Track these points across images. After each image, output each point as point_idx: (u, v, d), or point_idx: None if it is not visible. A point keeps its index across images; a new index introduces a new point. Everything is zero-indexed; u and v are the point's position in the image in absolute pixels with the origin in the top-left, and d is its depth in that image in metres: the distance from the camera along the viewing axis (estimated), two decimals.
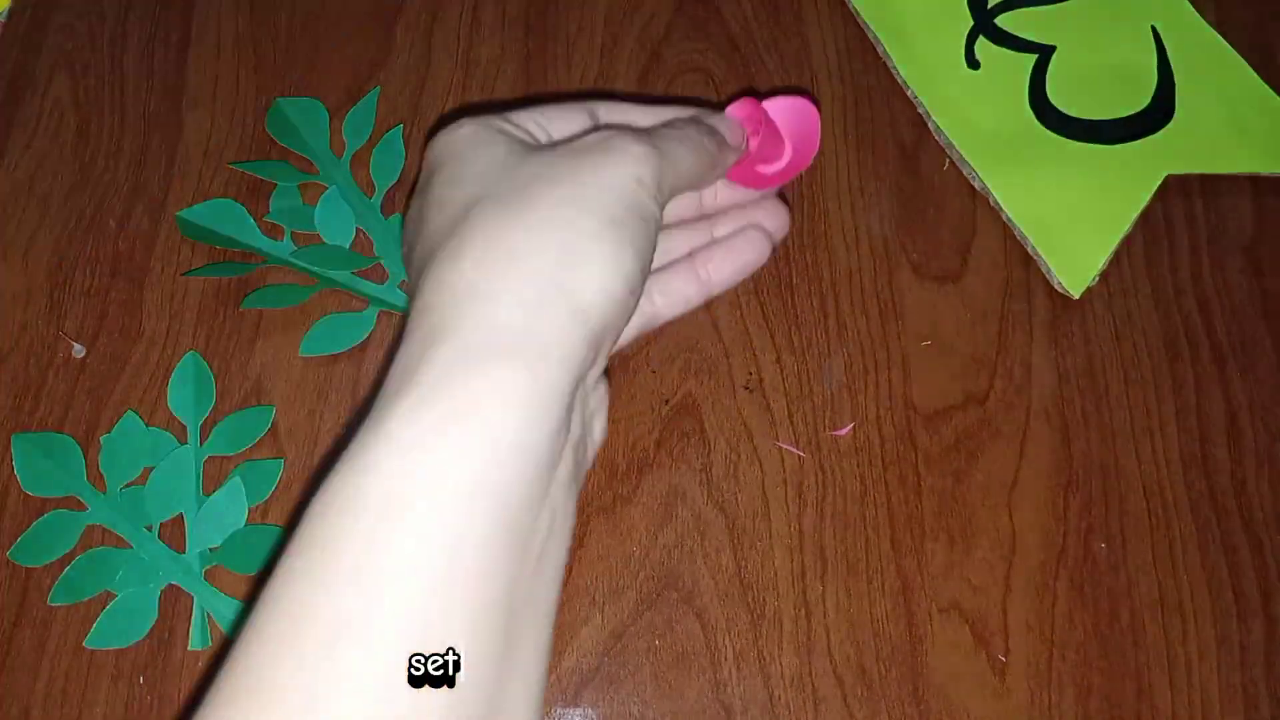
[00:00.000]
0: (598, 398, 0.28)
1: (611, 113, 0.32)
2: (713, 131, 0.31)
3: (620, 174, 0.26)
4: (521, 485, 0.22)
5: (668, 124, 0.31)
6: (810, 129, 0.34)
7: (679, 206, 0.34)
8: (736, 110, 0.33)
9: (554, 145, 0.28)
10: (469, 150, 0.28)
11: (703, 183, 0.30)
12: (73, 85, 0.47)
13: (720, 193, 0.35)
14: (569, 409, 0.24)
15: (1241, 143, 0.45)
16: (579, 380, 0.24)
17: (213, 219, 0.43)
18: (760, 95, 0.34)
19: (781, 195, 0.37)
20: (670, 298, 0.33)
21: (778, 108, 0.34)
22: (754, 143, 0.33)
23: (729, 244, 0.34)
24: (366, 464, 0.22)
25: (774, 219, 0.35)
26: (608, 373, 0.30)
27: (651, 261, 0.27)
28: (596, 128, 0.31)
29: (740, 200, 0.35)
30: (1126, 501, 0.39)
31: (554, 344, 0.23)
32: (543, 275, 0.24)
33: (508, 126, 0.29)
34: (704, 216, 0.35)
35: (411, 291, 0.26)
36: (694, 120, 0.31)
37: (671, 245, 0.34)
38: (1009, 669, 0.36)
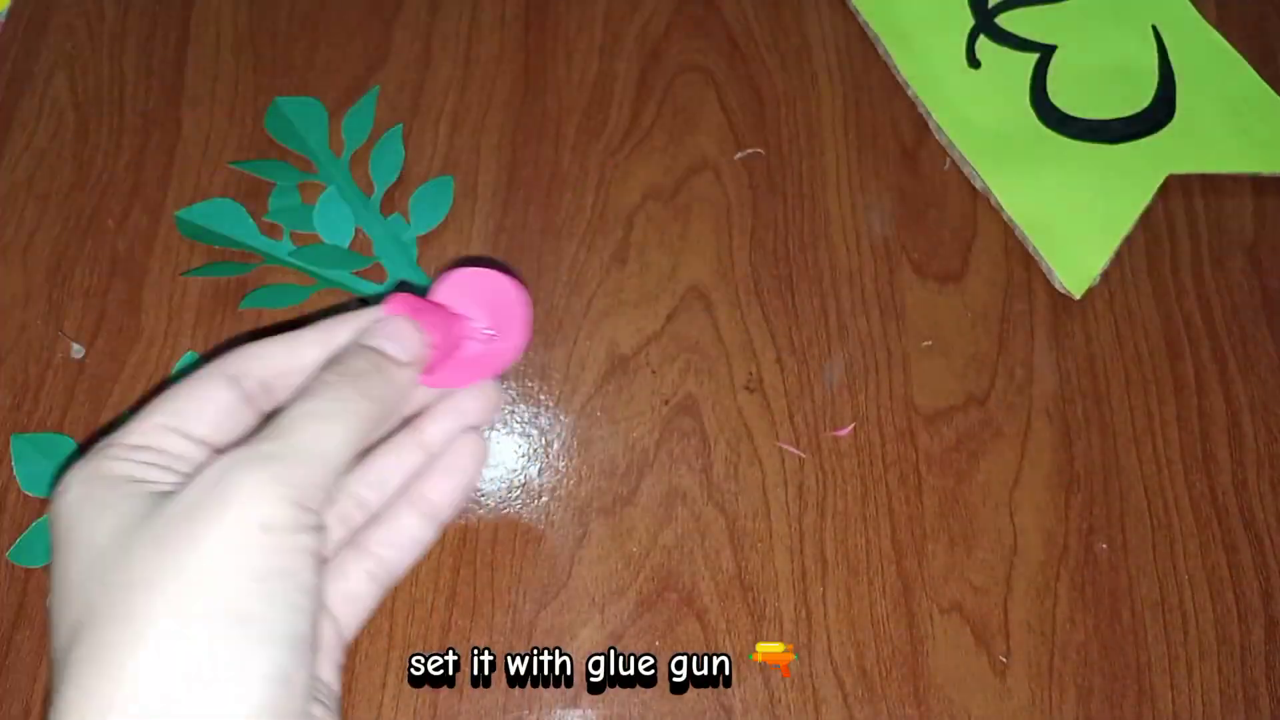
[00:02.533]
0: None
1: (252, 364, 0.27)
2: (376, 361, 0.26)
3: (233, 537, 0.21)
4: None
5: (308, 387, 0.25)
6: (507, 299, 0.29)
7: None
8: (397, 305, 0.27)
9: (167, 499, 0.22)
10: (70, 531, 0.23)
11: (381, 430, 0.26)
12: (71, 85, 0.47)
13: (417, 397, 0.30)
14: None
15: (1243, 142, 0.45)
16: None
17: (212, 219, 0.43)
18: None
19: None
20: (399, 547, 0.29)
21: (455, 284, 0.29)
22: (436, 337, 0.27)
23: (445, 462, 0.30)
24: None
25: (481, 406, 0.30)
26: None
27: (317, 601, 0.22)
28: (218, 452, 0.25)
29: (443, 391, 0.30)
30: (1128, 501, 0.39)
31: None
32: None
33: (124, 465, 0.23)
34: (406, 420, 0.31)
35: None
36: (348, 355, 0.26)
37: (383, 476, 0.30)
38: (1010, 670, 0.36)
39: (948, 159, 0.46)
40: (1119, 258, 0.43)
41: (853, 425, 0.40)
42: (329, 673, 0.27)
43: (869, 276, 0.43)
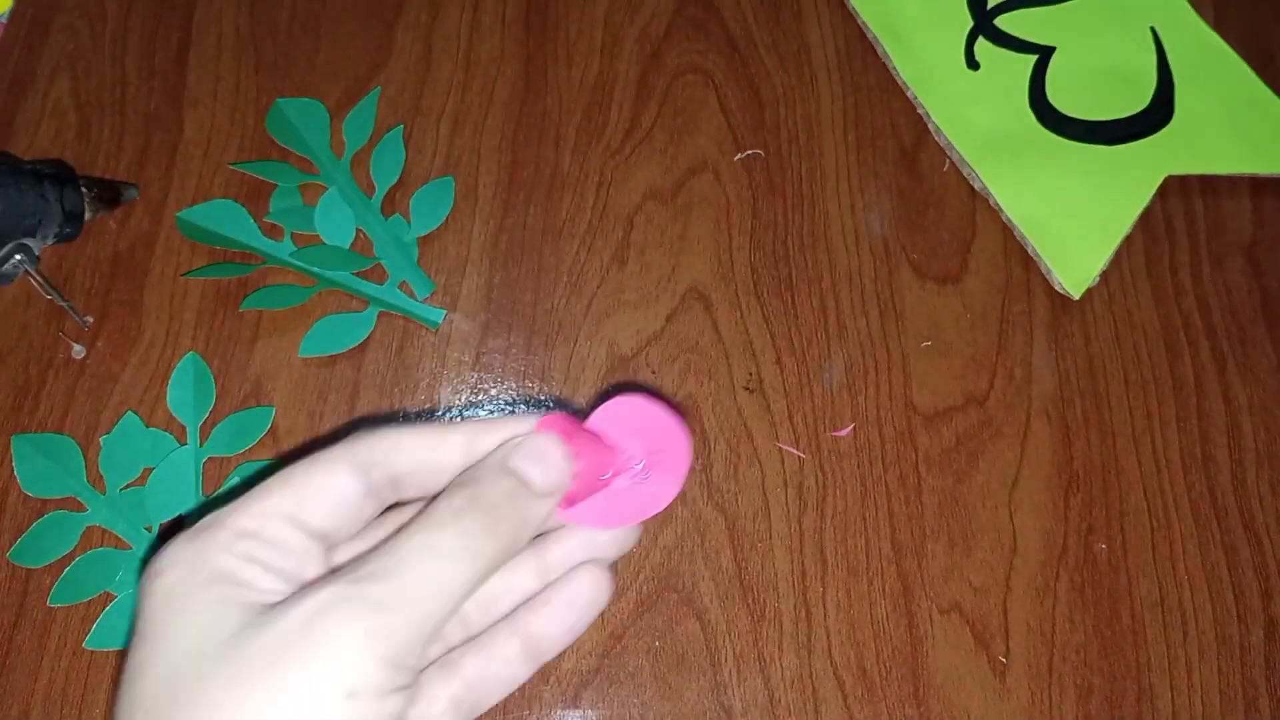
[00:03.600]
0: None
1: (387, 456, 0.24)
2: (513, 491, 0.23)
3: (314, 701, 0.19)
4: None
5: (429, 512, 0.22)
6: (668, 437, 0.25)
7: None
8: (548, 424, 0.24)
9: (257, 627, 0.20)
10: (155, 626, 0.21)
11: (498, 568, 0.22)
12: (74, 86, 0.47)
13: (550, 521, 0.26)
14: None
15: (1241, 144, 0.45)
16: None
17: (213, 219, 0.43)
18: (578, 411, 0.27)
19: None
20: (490, 677, 0.25)
21: (613, 412, 0.25)
22: (582, 465, 0.24)
23: (554, 599, 0.26)
24: None
25: (615, 540, 0.26)
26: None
27: None
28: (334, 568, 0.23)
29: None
30: (1127, 502, 0.39)
31: None
32: None
33: (225, 559, 0.22)
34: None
35: None
36: (484, 478, 0.23)
37: (492, 595, 0.26)
38: (1009, 670, 0.36)
39: (947, 160, 0.46)
40: (1118, 258, 0.43)
41: (852, 426, 0.40)
42: None
43: (868, 277, 0.43)
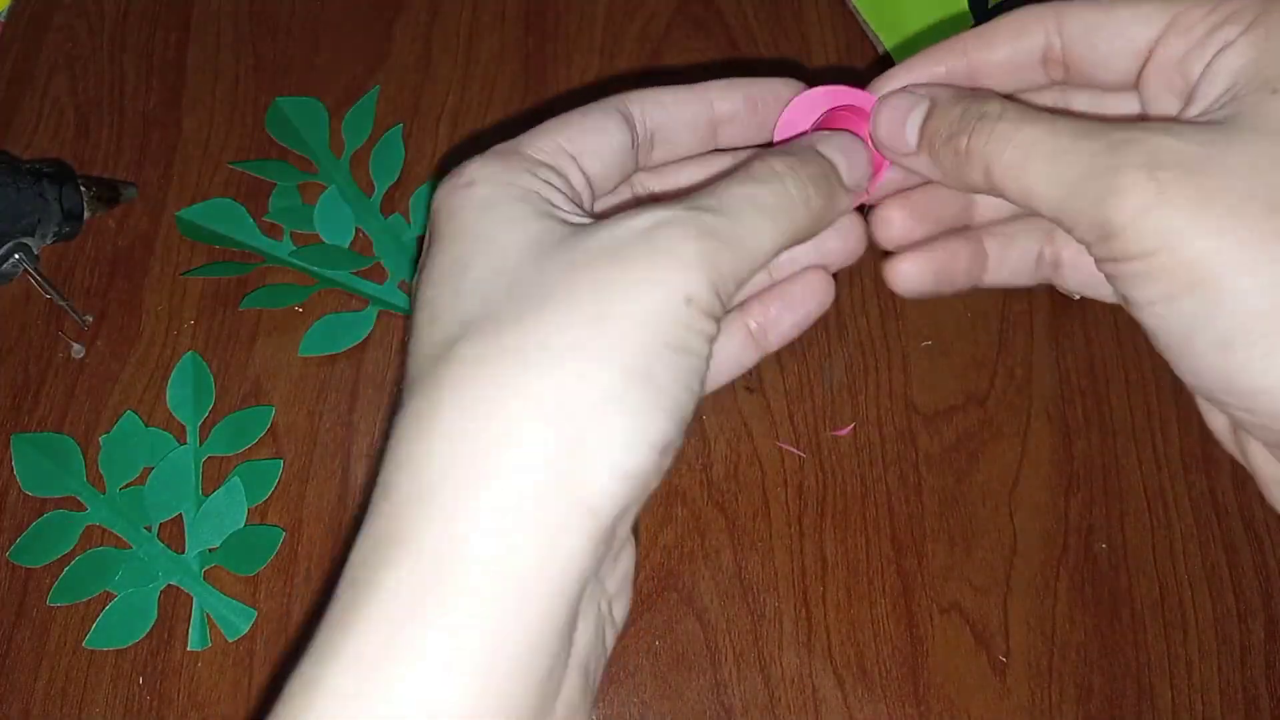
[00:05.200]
0: (619, 575, 0.22)
1: (647, 109, 0.25)
2: (828, 172, 0.23)
3: (662, 296, 0.19)
4: None
5: (749, 168, 0.22)
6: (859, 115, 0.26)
7: None
8: (849, 118, 0.24)
9: (588, 231, 0.21)
10: (477, 225, 0.22)
11: (798, 243, 0.23)
12: (72, 85, 0.47)
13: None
14: (569, 624, 0.19)
15: None
16: (584, 585, 0.19)
17: (212, 219, 0.43)
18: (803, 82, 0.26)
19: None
20: (720, 365, 0.26)
21: (837, 94, 0.26)
22: (882, 175, 0.25)
23: (787, 292, 0.27)
24: None
25: (842, 247, 0.27)
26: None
27: (700, 397, 0.21)
28: (639, 200, 0.24)
29: None
30: (1127, 501, 0.39)
31: (547, 559, 0.18)
32: (537, 464, 0.18)
33: (532, 181, 0.22)
34: None
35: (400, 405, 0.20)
36: (803, 153, 0.23)
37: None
38: (1010, 669, 0.36)
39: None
40: None
41: (853, 425, 0.40)
42: None
43: (869, 276, 0.43)
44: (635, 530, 0.23)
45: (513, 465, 0.18)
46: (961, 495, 0.39)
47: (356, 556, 0.19)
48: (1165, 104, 0.22)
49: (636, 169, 0.26)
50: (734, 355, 0.27)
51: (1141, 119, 0.22)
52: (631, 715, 0.36)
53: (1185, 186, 0.19)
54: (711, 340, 0.20)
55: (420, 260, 0.23)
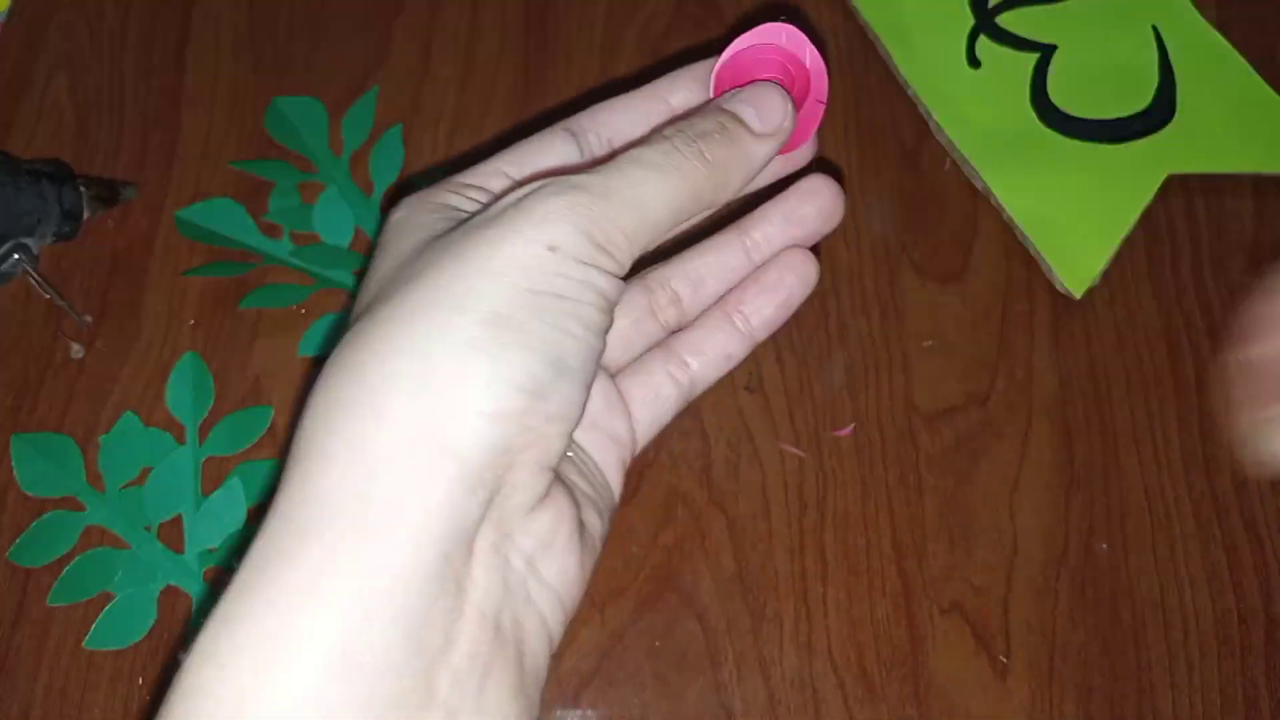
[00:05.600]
0: (537, 530, 0.21)
1: (597, 117, 0.26)
2: (726, 124, 0.23)
3: (520, 246, 0.20)
4: (354, 707, 0.18)
5: (653, 133, 0.23)
6: (799, 55, 0.26)
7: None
8: (764, 64, 0.24)
9: (474, 215, 0.23)
10: (391, 241, 0.23)
11: (708, 206, 0.23)
12: (71, 85, 0.47)
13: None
14: (443, 570, 0.19)
15: (1243, 143, 0.45)
16: (457, 532, 0.19)
17: (212, 219, 0.43)
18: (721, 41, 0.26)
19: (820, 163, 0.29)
20: (708, 357, 0.27)
21: (757, 37, 0.26)
22: (802, 111, 0.25)
23: (764, 277, 0.28)
24: (202, 669, 0.19)
25: (818, 212, 0.28)
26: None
27: (595, 345, 0.21)
28: (532, 177, 0.25)
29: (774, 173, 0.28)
30: (1128, 502, 0.39)
31: (406, 500, 0.19)
32: (398, 412, 0.19)
33: (452, 198, 0.24)
34: (732, 219, 0.28)
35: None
36: (697, 113, 0.24)
37: (700, 274, 0.28)
38: (1010, 670, 0.36)
39: (948, 159, 0.46)
40: (1119, 258, 0.43)
41: (853, 425, 0.40)
42: (613, 472, 0.26)
43: (869, 276, 0.43)
44: (571, 492, 0.23)
45: (375, 418, 0.19)
46: (962, 496, 0.39)
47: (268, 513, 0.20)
48: None
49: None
50: (721, 347, 0.28)
51: None
52: (631, 716, 0.36)
53: None
54: (597, 289, 0.21)
55: None
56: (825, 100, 0.26)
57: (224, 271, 0.42)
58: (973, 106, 0.46)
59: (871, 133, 0.46)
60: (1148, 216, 0.44)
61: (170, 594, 0.37)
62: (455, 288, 0.20)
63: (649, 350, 0.29)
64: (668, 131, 0.23)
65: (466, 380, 0.19)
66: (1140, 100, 0.46)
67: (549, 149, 0.25)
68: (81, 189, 0.42)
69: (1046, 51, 0.47)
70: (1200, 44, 0.47)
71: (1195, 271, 0.43)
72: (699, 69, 0.27)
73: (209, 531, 0.38)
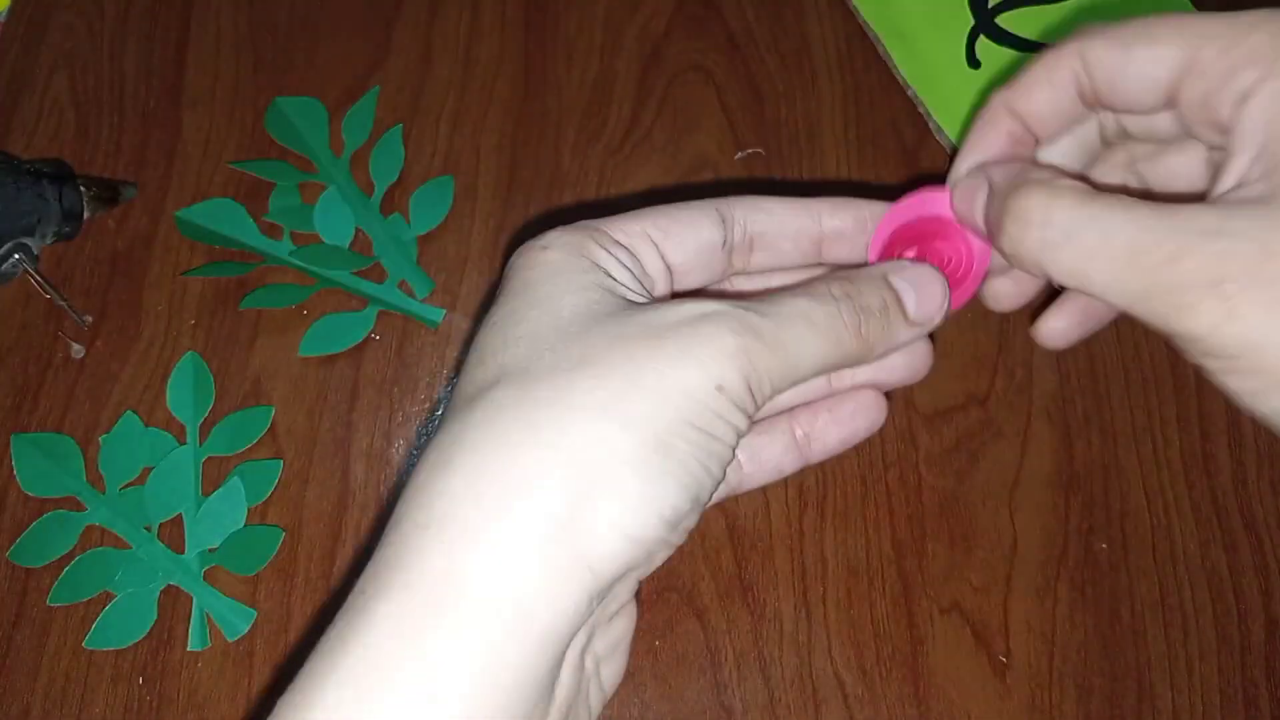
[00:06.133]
0: (612, 638, 0.22)
1: (750, 214, 0.25)
2: (888, 305, 0.23)
3: (694, 378, 0.20)
4: None
5: (811, 285, 0.23)
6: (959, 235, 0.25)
7: None
8: (902, 220, 0.25)
9: (640, 309, 0.22)
10: (541, 285, 0.23)
11: (846, 365, 0.23)
12: (72, 84, 0.47)
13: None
14: (551, 673, 0.20)
15: None
16: (571, 637, 0.20)
17: (212, 219, 0.43)
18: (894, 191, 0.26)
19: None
20: (760, 467, 0.27)
21: (934, 204, 0.25)
22: (956, 299, 0.25)
23: (838, 408, 0.28)
24: None
25: (907, 364, 0.27)
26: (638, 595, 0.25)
27: (720, 482, 0.21)
28: (700, 293, 0.24)
29: None
30: (1127, 502, 0.39)
31: (538, 605, 0.19)
32: (545, 513, 0.19)
33: (603, 256, 0.23)
34: None
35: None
36: (866, 283, 0.23)
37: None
38: (1010, 669, 0.36)
39: (948, 159, 0.46)
40: None
41: None
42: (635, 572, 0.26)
43: None
44: (638, 597, 0.23)
45: (521, 510, 0.19)
46: (962, 495, 0.39)
47: (359, 584, 0.20)
48: (1209, 135, 0.22)
49: (731, 269, 0.26)
50: (775, 459, 0.27)
51: (1199, 198, 0.22)
52: (632, 716, 0.36)
53: (1252, 296, 0.19)
54: (738, 433, 0.21)
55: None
56: (980, 284, 0.26)
57: (224, 271, 0.42)
58: (973, 107, 0.46)
59: (871, 132, 0.46)
60: None
61: (170, 594, 0.37)
62: (625, 402, 0.20)
63: None
64: (835, 292, 0.23)
65: (617, 499, 0.19)
66: None
67: (696, 226, 0.25)
68: (81, 189, 0.42)
69: None
70: None
71: None
72: (861, 206, 0.26)
73: (209, 531, 0.38)
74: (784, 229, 0.26)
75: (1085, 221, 0.21)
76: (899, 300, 0.24)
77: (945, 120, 0.46)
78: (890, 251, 0.26)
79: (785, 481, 0.39)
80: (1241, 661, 0.37)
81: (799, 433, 0.28)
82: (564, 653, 0.20)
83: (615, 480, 0.19)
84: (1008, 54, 0.47)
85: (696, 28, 0.49)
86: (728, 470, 0.26)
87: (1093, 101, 0.24)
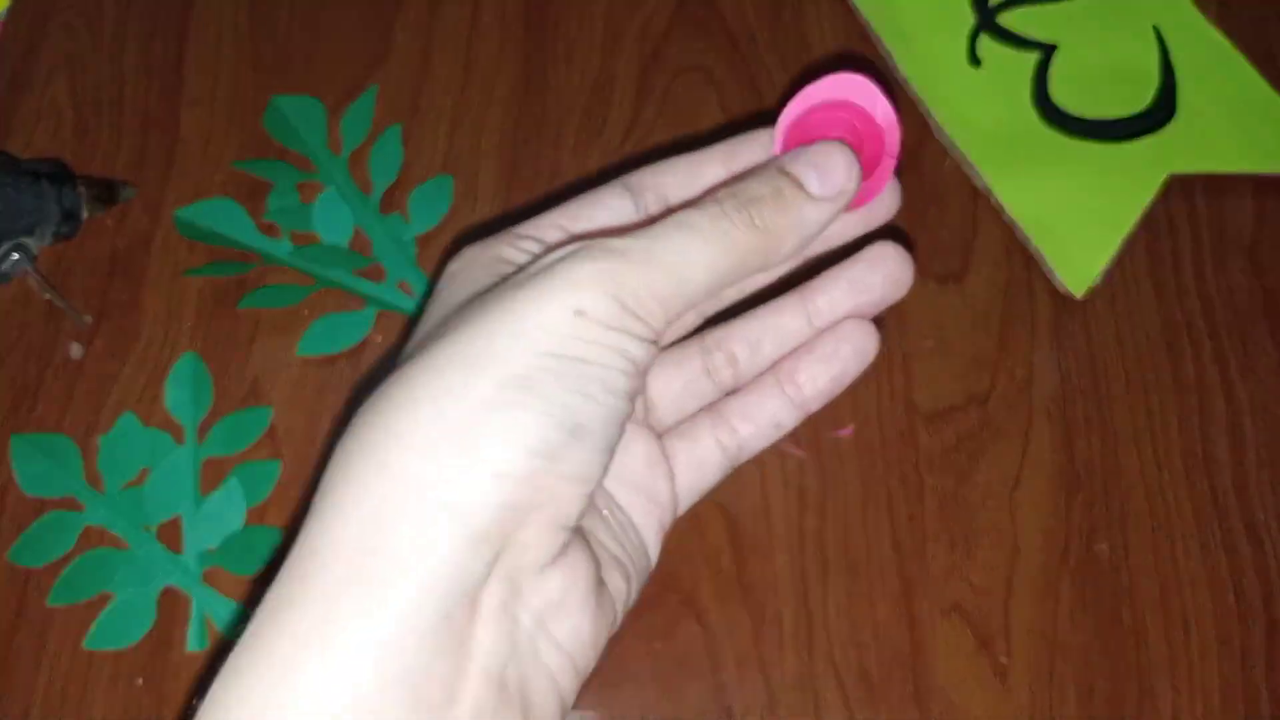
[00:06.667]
0: (548, 589, 0.21)
1: (658, 179, 0.26)
2: (780, 188, 0.23)
3: (549, 310, 0.20)
4: None
5: (705, 196, 0.23)
6: (871, 107, 0.25)
7: (756, 280, 0.26)
8: (796, 115, 0.24)
9: (512, 274, 0.23)
10: (446, 289, 0.24)
11: (758, 270, 0.23)
12: (71, 84, 0.47)
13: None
14: (444, 622, 0.19)
15: (1244, 143, 0.45)
16: (463, 586, 0.19)
17: (211, 218, 0.43)
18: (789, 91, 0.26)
19: (895, 230, 0.27)
20: (757, 425, 0.27)
21: (827, 91, 0.25)
22: (868, 171, 0.24)
23: (818, 346, 0.27)
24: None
25: (883, 281, 0.27)
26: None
27: (620, 408, 0.21)
28: (577, 237, 0.24)
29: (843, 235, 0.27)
30: (1128, 502, 0.39)
31: (409, 554, 0.19)
32: (409, 467, 0.19)
33: (506, 250, 0.24)
34: (795, 282, 0.28)
35: None
36: (751, 175, 0.23)
37: (758, 336, 0.27)
38: (1011, 671, 0.36)
39: (948, 158, 0.45)
40: (1120, 258, 0.43)
41: (853, 426, 0.40)
42: (651, 535, 0.26)
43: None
44: (588, 553, 0.23)
45: (387, 471, 0.20)
46: (962, 496, 0.39)
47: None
48: None
49: None
50: (770, 413, 0.27)
51: None
52: (631, 717, 0.36)
53: None
54: (630, 357, 0.21)
55: None
56: (897, 156, 0.25)
57: (223, 271, 0.42)
58: (973, 106, 0.46)
59: None
60: (1148, 217, 0.44)
61: (170, 594, 0.37)
62: (478, 347, 0.20)
63: (699, 412, 0.29)
64: (720, 194, 0.23)
65: (477, 439, 0.20)
66: (1141, 100, 0.46)
67: (605, 205, 0.25)
68: (81, 189, 0.42)
69: (1048, 51, 0.47)
70: (1202, 44, 0.47)
71: (1196, 271, 0.43)
72: (765, 133, 0.26)
73: (208, 532, 0.38)
74: (695, 183, 0.26)
75: None
76: (795, 180, 0.23)
77: (945, 120, 0.46)
78: (791, 146, 0.25)
79: (785, 483, 0.39)
80: (1242, 663, 0.36)
81: (789, 385, 0.27)
82: (458, 607, 0.19)
83: (472, 422, 0.20)
84: (1009, 53, 0.47)
85: (696, 28, 0.48)
86: (723, 438, 0.27)
87: None
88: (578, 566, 0.22)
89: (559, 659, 0.22)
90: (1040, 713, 0.36)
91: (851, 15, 0.49)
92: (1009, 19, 0.48)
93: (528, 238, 0.25)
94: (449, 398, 0.20)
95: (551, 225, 0.25)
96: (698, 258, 0.21)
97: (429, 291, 0.26)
